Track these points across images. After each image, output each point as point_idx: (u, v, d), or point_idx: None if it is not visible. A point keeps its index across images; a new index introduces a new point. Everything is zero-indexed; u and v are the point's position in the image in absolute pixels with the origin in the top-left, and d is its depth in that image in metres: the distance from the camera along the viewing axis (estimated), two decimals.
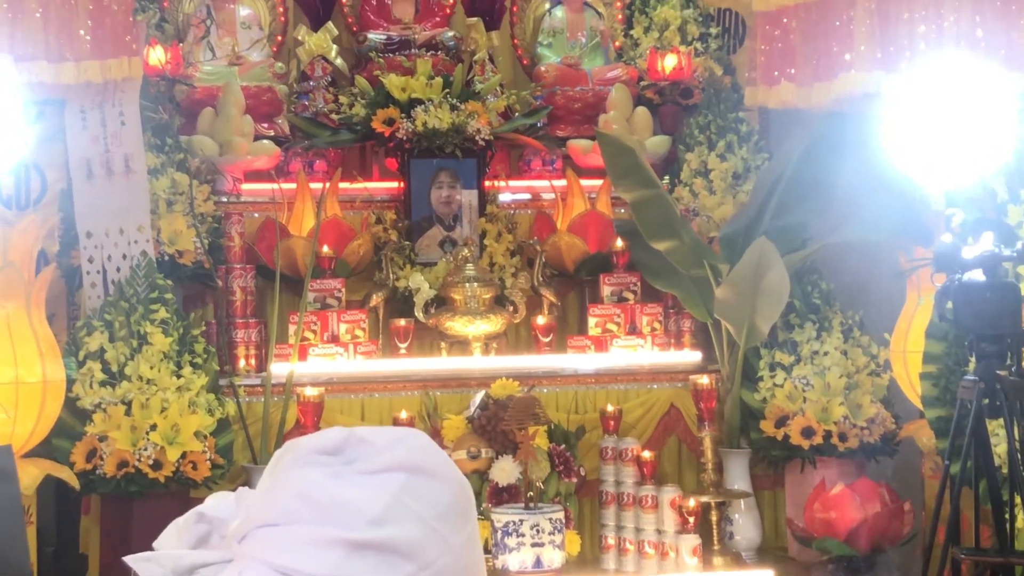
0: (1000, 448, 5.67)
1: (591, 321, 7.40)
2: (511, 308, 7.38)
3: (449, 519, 1.85)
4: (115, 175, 6.76)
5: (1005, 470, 5.58)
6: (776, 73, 7.34)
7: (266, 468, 1.92)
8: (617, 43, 8.70)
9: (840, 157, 7.11)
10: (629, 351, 7.30)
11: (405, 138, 7.63)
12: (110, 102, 6.74)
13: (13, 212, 6.52)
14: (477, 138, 7.67)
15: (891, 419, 6.99)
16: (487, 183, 7.86)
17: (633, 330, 7.35)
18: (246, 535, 1.85)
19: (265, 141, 7.72)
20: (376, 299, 7.35)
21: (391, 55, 8.17)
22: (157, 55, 7.40)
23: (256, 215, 7.57)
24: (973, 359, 5.45)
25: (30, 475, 5.96)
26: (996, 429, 5.61)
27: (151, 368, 6.39)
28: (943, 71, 6.01)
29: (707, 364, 7.25)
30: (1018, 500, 5.47)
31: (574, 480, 6.71)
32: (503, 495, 6.51)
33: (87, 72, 6.40)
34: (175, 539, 1.96)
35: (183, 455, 6.27)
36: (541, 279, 7.48)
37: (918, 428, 6.83)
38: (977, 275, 5.27)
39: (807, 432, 6.82)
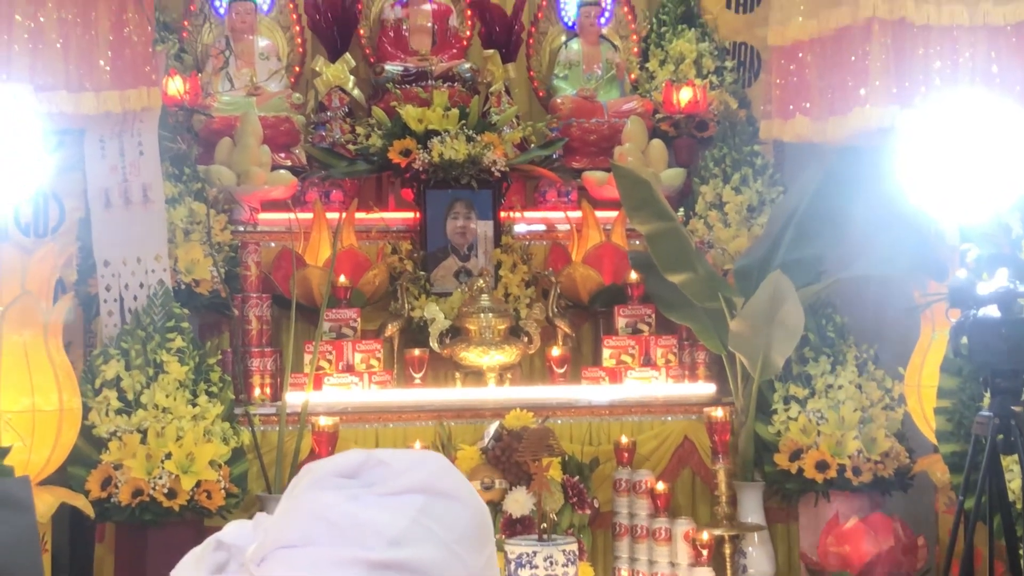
0: (1014, 484, 5.63)
1: (605, 352, 7.38)
2: (526, 339, 7.36)
3: (468, 541, 1.83)
4: (133, 204, 6.76)
5: (1019, 506, 5.55)
6: (791, 107, 7.34)
7: (285, 491, 1.90)
8: (633, 76, 8.71)
9: (855, 191, 7.08)
10: (643, 383, 7.28)
11: (421, 169, 7.62)
12: (129, 132, 6.75)
13: (31, 240, 6.51)
14: (493, 169, 7.66)
15: (905, 453, 6.95)
16: (502, 214, 7.85)
17: (647, 362, 7.33)
18: (264, 558, 1.83)
19: (282, 171, 7.73)
20: (391, 329, 7.34)
21: (408, 86, 8.18)
22: (176, 85, 7.42)
23: (273, 244, 7.56)
24: (988, 395, 5.42)
25: (45, 503, 5.93)
26: (1011, 465, 5.57)
27: (167, 397, 6.38)
28: (958, 106, 5.98)
29: (721, 396, 7.22)
30: None
31: (588, 512, 6.66)
32: (517, 526, 6.46)
33: (107, 102, 6.41)
34: (193, 568, 1.94)
35: (198, 484, 6.25)
36: (556, 310, 7.47)
37: (932, 463, 6.78)
38: (992, 311, 5.23)
39: (821, 466, 6.78)
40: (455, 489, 1.86)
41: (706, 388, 7.34)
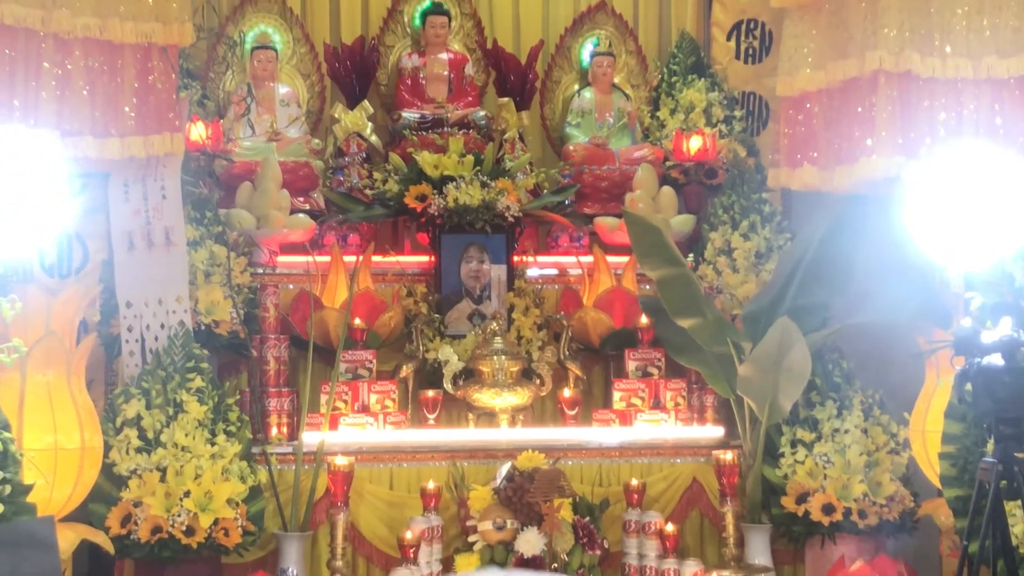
0: (1018, 528, 5.64)
1: (616, 395, 7.40)
2: (538, 381, 7.39)
3: None
4: (155, 247, 6.82)
5: (1022, 550, 5.54)
6: (799, 156, 7.39)
7: None
8: (644, 124, 8.76)
9: (861, 239, 7.12)
10: (653, 425, 7.30)
11: (437, 214, 7.68)
12: (152, 176, 6.81)
13: (55, 281, 6.59)
14: (507, 214, 7.72)
15: (910, 497, 6.96)
16: (516, 258, 7.89)
17: (657, 405, 7.35)
18: None
19: (301, 215, 7.78)
20: (406, 370, 7.37)
21: (424, 133, 8.25)
22: (198, 131, 7.48)
23: (291, 287, 7.60)
24: (991, 441, 5.44)
25: (66, 539, 5.96)
26: (1014, 510, 5.59)
27: (186, 435, 6.42)
28: (963, 158, 6.02)
29: (729, 439, 7.24)
30: None
31: (598, 552, 6.67)
32: (528, 566, 6.47)
33: (131, 147, 6.48)
34: None
35: (216, 521, 6.28)
36: (567, 353, 7.50)
37: (936, 507, 6.79)
38: (996, 359, 5.27)
39: (827, 508, 6.79)
40: None
41: (715, 431, 7.35)
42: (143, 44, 6.51)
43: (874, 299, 6.96)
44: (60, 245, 6.61)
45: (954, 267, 6.48)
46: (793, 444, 6.99)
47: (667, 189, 8.23)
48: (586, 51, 8.83)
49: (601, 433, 7.29)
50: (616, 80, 8.79)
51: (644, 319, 7.51)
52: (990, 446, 5.52)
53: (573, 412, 7.41)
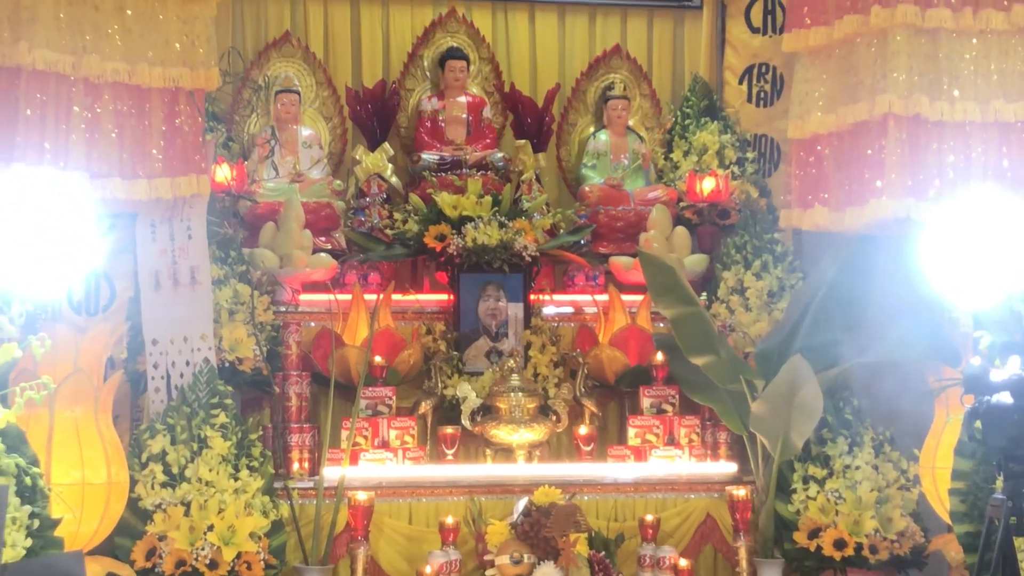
0: None
1: (631, 431, 7.39)
2: (554, 417, 7.38)
3: None
4: (181, 286, 6.84)
5: None
6: (810, 197, 7.39)
7: None
8: (658, 166, 8.77)
9: (871, 278, 7.11)
10: (667, 461, 7.28)
11: (455, 253, 7.69)
12: (179, 216, 6.84)
13: (83, 318, 6.61)
14: (524, 254, 7.73)
15: (920, 533, 6.93)
16: (532, 297, 7.89)
17: (671, 441, 7.34)
18: None
19: (323, 254, 7.79)
20: (425, 407, 7.37)
21: (443, 174, 8.27)
22: (224, 172, 7.52)
23: (313, 324, 7.61)
24: (1001, 478, 5.41)
25: (93, 573, 5.96)
26: (1023, 546, 5.54)
27: (210, 471, 6.43)
28: (971, 199, 6.02)
29: (743, 475, 7.23)
30: None
31: None
32: None
33: (158, 189, 6.52)
34: None
35: (238, 555, 6.28)
36: (583, 390, 7.49)
37: (947, 542, 6.77)
38: (1005, 397, 5.25)
39: (839, 544, 6.77)
40: None
41: (728, 467, 7.33)
42: (170, 88, 6.55)
43: (884, 338, 6.94)
44: (88, 283, 6.62)
45: (963, 306, 6.48)
46: (805, 480, 6.97)
47: (681, 229, 8.24)
48: (601, 94, 8.85)
49: (616, 469, 7.28)
50: (631, 123, 8.81)
51: (659, 357, 7.51)
52: (999, 483, 5.49)
53: (589, 448, 7.41)
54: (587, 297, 8.07)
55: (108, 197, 6.35)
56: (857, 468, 6.92)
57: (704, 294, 7.89)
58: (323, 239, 7.99)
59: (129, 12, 6.42)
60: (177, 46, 6.55)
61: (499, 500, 7.01)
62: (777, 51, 8.36)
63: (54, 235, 5.56)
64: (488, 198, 7.89)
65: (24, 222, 5.50)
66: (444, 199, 7.86)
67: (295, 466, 7.03)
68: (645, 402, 7.47)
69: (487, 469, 7.22)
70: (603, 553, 6.69)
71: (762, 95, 8.87)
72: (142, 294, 6.82)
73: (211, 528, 6.28)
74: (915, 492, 6.99)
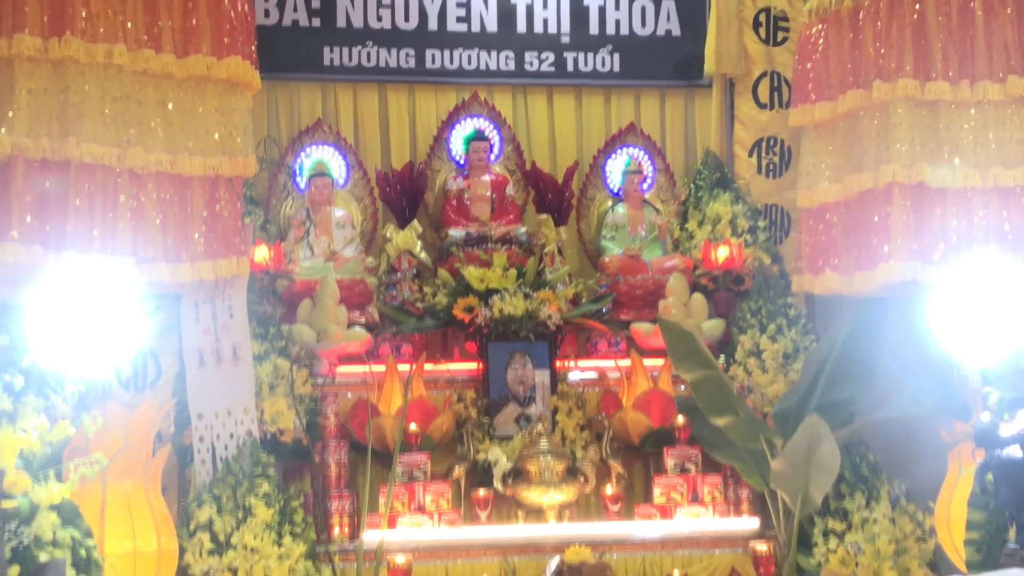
0: None
1: (656, 490, 7.36)
2: (582, 479, 7.36)
3: None
4: (224, 362, 6.87)
5: None
6: (820, 263, 7.40)
7: None
8: (674, 236, 8.80)
9: (882, 339, 7.10)
10: (692, 519, 7.24)
11: (483, 324, 7.71)
12: (220, 296, 6.88)
13: (131, 394, 6.66)
14: (548, 323, 7.74)
15: None
16: (558, 363, 7.89)
17: (695, 499, 7.30)
18: None
19: (357, 328, 7.82)
20: (458, 471, 7.36)
21: (470, 249, 8.31)
22: (262, 253, 7.57)
23: (349, 395, 7.62)
24: (1013, 528, 5.39)
25: None
26: None
27: (255, 538, 6.42)
28: (975, 262, 6.04)
29: (765, 530, 7.18)
30: None
31: None
32: None
33: (201, 271, 6.55)
34: None
35: None
36: (609, 451, 7.47)
37: None
38: (1015, 451, 5.25)
39: None
40: None
41: (750, 523, 7.29)
42: (210, 176, 6.60)
43: (897, 395, 6.93)
44: (136, 361, 6.69)
45: (971, 364, 6.47)
46: (825, 534, 6.92)
47: (698, 296, 8.25)
48: (618, 170, 8.90)
49: (643, 527, 7.24)
50: (647, 196, 8.84)
51: (680, 418, 7.49)
52: (1012, 533, 5.46)
53: (616, 507, 7.37)
54: (610, 363, 8.06)
55: (154, 280, 6.40)
56: (875, 521, 6.87)
57: (722, 357, 7.87)
58: (357, 314, 8.02)
59: (170, 106, 6.49)
60: (216, 136, 6.60)
61: (531, 560, 6.99)
62: (784, 125, 8.42)
63: (103, 317, 5.63)
64: (513, 271, 7.92)
65: (75, 306, 5.57)
66: (471, 273, 7.90)
67: (336, 531, 7.02)
68: (669, 462, 7.44)
69: (519, 530, 7.19)
70: None
71: (771, 167, 8.92)
72: (187, 371, 6.85)
73: None
74: (931, 543, 6.93)
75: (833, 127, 7.32)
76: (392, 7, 8.93)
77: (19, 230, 6.07)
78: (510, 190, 8.75)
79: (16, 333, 5.66)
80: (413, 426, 7.29)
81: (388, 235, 8.44)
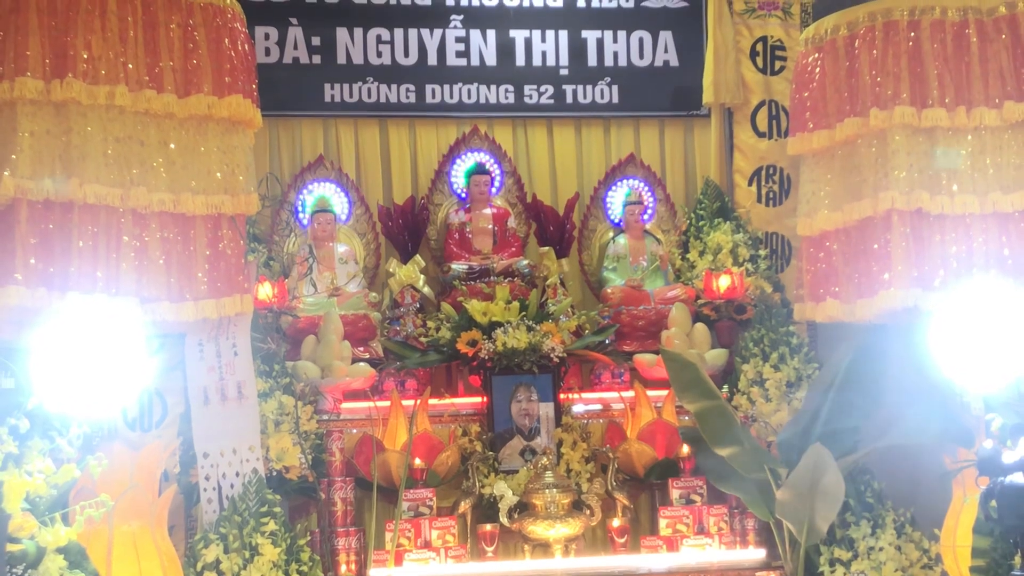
0: None
1: (662, 522, 7.36)
2: (588, 512, 7.35)
3: None
4: (229, 400, 6.87)
5: None
6: (821, 291, 7.41)
7: None
8: (675, 266, 8.82)
9: (885, 366, 7.11)
10: (698, 550, 7.23)
11: (487, 357, 7.72)
12: (224, 334, 6.89)
13: (137, 434, 6.67)
14: (552, 355, 7.76)
15: None
16: (562, 396, 7.90)
17: (701, 530, 7.30)
18: None
19: (361, 364, 7.83)
20: (464, 506, 7.36)
21: (472, 283, 8.33)
22: (265, 290, 7.58)
23: (354, 431, 7.61)
24: (1018, 555, 5.38)
25: None
26: None
27: None
28: (975, 288, 6.05)
29: (771, 560, 7.17)
30: None
31: None
32: None
33: (204, 310, 6.57)
34: None
35: None
36: (614, 484, 7.47)
37: None
38: (1018, 478, 5.25)
39: None
40: None
41: (757, 553, 7.28)
42: (213, 215, 6.62)
43: (900, 422, 6.93)
44: (141, 401, 6.69)
45: (973, 390, 6.47)
46: (832, 563, 6.92)
47: (700, 326, 8.25)
48: (619, 201, 8.93)
49: (650, 560, 7.23)
50: (647, 227, 8.87)
51: (685, 449, 7.49)
52: (1017, 560, 5.46)
53: (622, 540, 7.37)
54: (614, 394, 8.06)
55: (158, 319, 6.41)
56: (881, 549, 6.87)
57: (725, 387, 7.87)
58: (361, 349, 8.03)
59: (173, 146, 6.52)
60: (218, 175, 6.63)
61: None
62: (783, 154, 8.45)
63: (108, 358, 5.64)
64: (516, 304, 7.94)
65: (80, 348, 5.59)
66: (474, 306, 7.92)
67: (343, 569, 7.02)
68: (674, 493, 7.44)
69: (526, 565, 7.18)
70: None
71: (771, 195, 8.95)
72: (192, 409, 6.86)
73: None
74: (938, 571, 6.92)
75: (831, 155, 7.35)
76: (392, 43, 8.97)
77: (23, 272, 6.09)
78: (512, 223, 8.78)
79: (21, 376, 5.68)
80: (418, 461, 7.29)
81: (391, 270, 8.46)
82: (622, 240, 8.80)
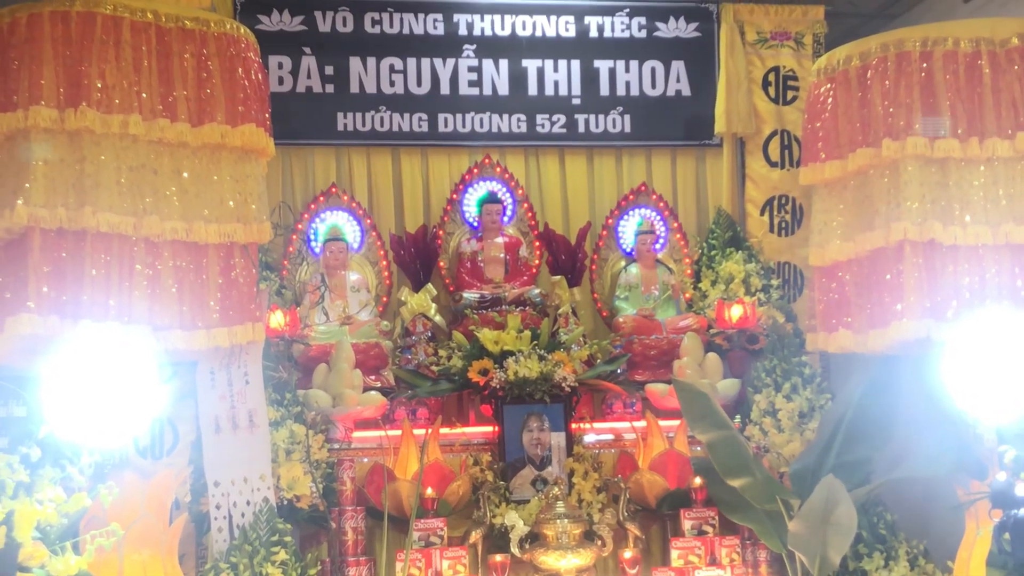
0: None
1: (674, 553, 7.32)
2: (599, 542, 7.33)
3: None
4: (240, 429, 6.87)
5: None
6: (834, 321, 7.40)
7: None
8: (687, 295, 8.83)
9: (897, 397, 7.10)
10: None
11: (499, 386, 7.72)
12: (236, 363, 6.90)
13: (149, 462, 6.66)
14: (563, 385, 7.75)
15: None
16: (573, 425, 7.88)
17: (713, 561, 7.26)
18: None
19: (373, 392, 7.84)
20: (475, 536, 7.34)
21: (484, 311, 8.34)
22: (277, 319, 7.60)
23: (366, 460, 7.61)
24: None
25: None
26: None
27: None
28: (988, 319, 6.04)
29: None
30: None
31: None
32: None
33: (216, 338, 6.57)
34: None
35: None
36: (626, 514, 7.44)
37: None
38: None
39: None
40: None
41: None
42: (226, 243, 6.63)
43: (913, 454, 6.91)
44: (153, 429, 6.69)
45: (986, 421, 6.44)
46: None
47: (712, 355, 8.25)
48: (631, 230, 8.94)
49: None
50: (659, 256, 8.88)
51: (697, 480, 7.47)
52: None
53: (634, 571, 7.33)
54: (626, 424, 8.06)
55: (170, 348, 6.42)
56: None
57: (737, 417, 7.86)
58: (373, 378, 8.04)
59: (185, 174, 6.54)
60: (231, 204, 6.65)
61: None
62: (795, 183, 8.46)
63: (120, 386, 5.66)
64: (527, 332, 7.94)
65: (92, 376, 5.60)
66: (486, 335, 7.92)
67: None
68: (686, 524, 7.41)
69: None
70: None
71: (783, 225, 8.96)
72: (203, 438, 6.86)
73: None
74: None
75: (844, 185, 7.35)
76: (404, 72, 9.02)
77: (36, 300, 6.10)
78: (523, 252, 8.80)
79: (33, 404, 5.69)
80: (429, 491, 7.28)
81: (403, 298, 8.48)
82: (634, 269, 8.81)
